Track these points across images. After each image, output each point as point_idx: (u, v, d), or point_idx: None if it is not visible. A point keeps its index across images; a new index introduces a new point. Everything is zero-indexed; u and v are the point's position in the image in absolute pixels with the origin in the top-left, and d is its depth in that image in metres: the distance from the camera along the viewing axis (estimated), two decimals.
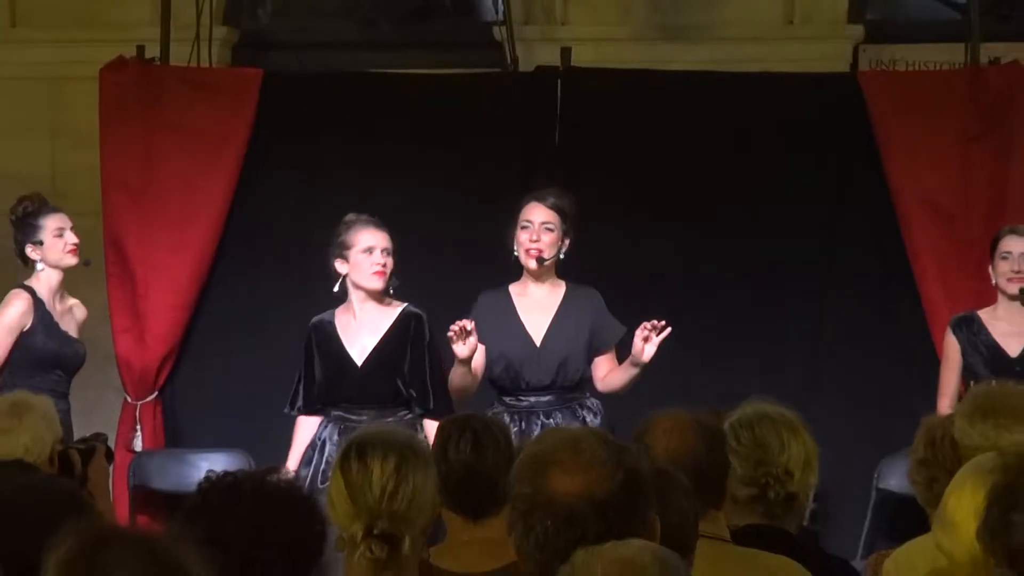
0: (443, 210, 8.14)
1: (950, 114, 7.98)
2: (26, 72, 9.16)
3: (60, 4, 9.18)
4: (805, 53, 8.84)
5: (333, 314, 7.06)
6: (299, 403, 7.10)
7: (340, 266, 6.98)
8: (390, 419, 6.85)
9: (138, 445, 7.98)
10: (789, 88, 8.27)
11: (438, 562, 4.13)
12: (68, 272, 7.65)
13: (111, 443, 5.71)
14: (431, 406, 6.91)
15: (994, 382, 7.37)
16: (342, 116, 8.28)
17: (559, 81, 8.25)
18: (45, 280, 7.54)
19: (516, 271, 7.13)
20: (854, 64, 8.97)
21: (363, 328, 7.01)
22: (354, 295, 6.98)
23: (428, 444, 4.03)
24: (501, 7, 8.91)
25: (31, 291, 7.49)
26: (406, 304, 7.03)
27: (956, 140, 7.95)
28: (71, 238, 7.53)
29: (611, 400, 7.10)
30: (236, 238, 8.25)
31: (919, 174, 7.93)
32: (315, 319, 7.09)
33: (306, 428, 7.07)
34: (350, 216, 7.03)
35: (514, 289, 7.12)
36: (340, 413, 7.01)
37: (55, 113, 9.18)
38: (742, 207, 8.13)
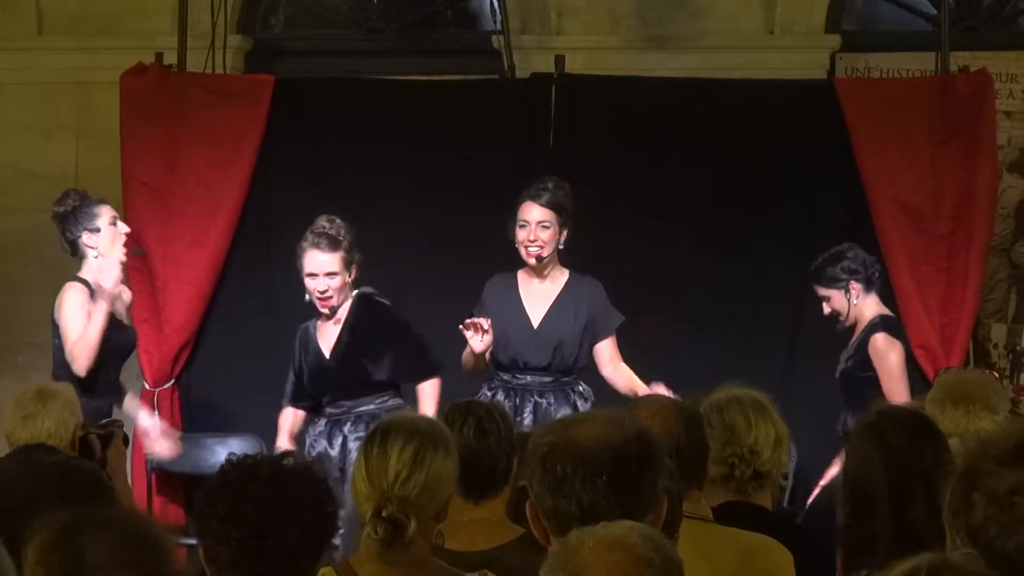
0: (442, 208, 8.14)
1: (921, 118, 7.98)
2: (52, 77, 9.18)
3: (84, 14, 9.19)
4: (785, 61, 8.85)
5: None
6: (285, 397, 7.19)
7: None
8: (370, 407, 6.87)
9: None
10: (770, 94, 8.27)
11: (437, 540, 4.13)
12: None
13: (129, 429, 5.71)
14: (411, 376, 6.96)
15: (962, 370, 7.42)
16: (349, 119, 8.28)
17: (553, 87, 8.25)
18: (96, 270, 7.19)
19: (519, 261, 7.14)
20: (831, 71, 8.98)
21: (328, 324, 7.06)
22: None
23: (444, 428, 4.02)
24: (499, 17, 8.93)
25: (84, 283, 7.26)
26: (356, 290, 7.03)
27: (927, 142, 7.95)
28: (123, 228, 7.31)
29: (605, 388, 7.13)
30: (250, 234, 8.25)
31: (891, 174, 7.94)
32: (303, 324, 7.18)
33: (287, 417, 7.16)
34: (307, 233, 7.02)
35: (522, 274, 7.17)
36: (330, 409, 7.06)
37: (79, 116, 9.19)
38: (727, 205, 8.14)
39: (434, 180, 8.17)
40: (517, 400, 7.00)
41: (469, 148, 8.18)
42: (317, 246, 6.91)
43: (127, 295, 7.51)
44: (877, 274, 7.30)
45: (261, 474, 3.20)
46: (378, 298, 7.05)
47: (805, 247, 8.10)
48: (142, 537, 2.80)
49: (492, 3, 9.29)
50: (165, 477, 8.08)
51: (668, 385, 6.72)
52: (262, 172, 8.21)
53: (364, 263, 7.11)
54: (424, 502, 3.72)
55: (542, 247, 7.01)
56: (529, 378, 7.06)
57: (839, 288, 7.20)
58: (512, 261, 7.18)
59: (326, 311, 6.95)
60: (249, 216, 8.23)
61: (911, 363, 7.60)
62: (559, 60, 8.33)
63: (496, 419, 4.36)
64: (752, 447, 4.46)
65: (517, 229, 7.04)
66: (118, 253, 7.25)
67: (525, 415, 6.95)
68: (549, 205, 7.02)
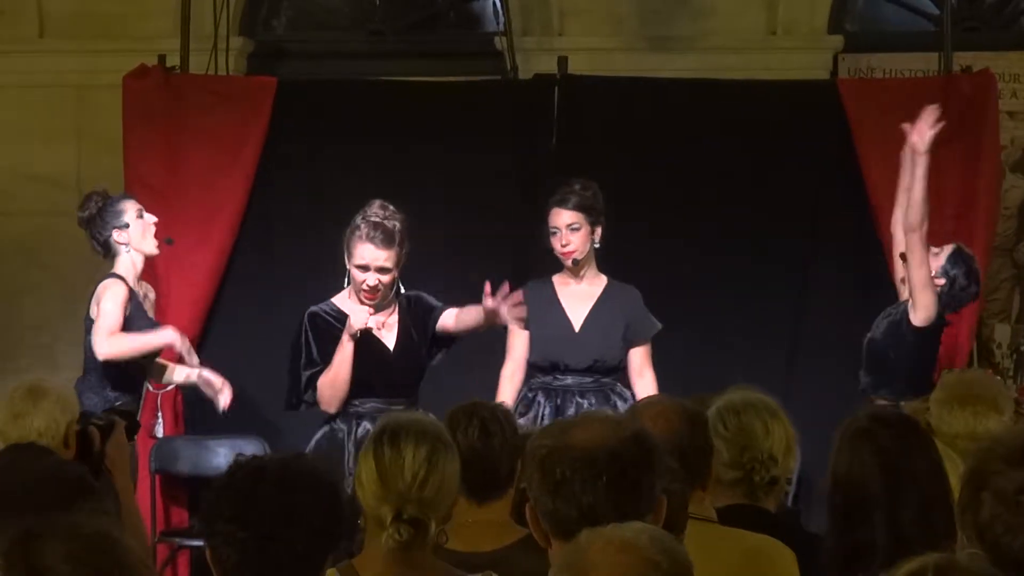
0: (445, 210, 8.14)
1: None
2: (54, 80, 9.18)
3: (86, 16, 9.19)
4: (787, 62, 8.85)
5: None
6: (306, 391, 6.87)
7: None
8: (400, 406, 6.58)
9: (159, 431, 7.93)
10: (772, 95, 8.28)
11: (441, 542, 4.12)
12: (89, 271, 7.57)
13: None
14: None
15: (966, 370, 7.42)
16: (351, 121, 8.28)
17: (556, 88, 8.26)
18: (130, 266, 7.17)
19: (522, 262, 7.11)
20: (834, 72, 8.98)
21: (373, 316, 6.75)
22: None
23: (445, 428, 4.00)
24: (502, 19, 8.93)
25: (121, 278, 7.22)
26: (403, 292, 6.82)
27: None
28: (151, 218, 7.26)
29: None
30: (252, 235, 8.25)
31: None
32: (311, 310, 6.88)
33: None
34: (359, 219, 6.71)
35: (558, 279, 7.15)
36: (360, 408, 6.77)
37: (81, 118, 9.19)
38: (729, 205, 8.14)
39: (437, 182, 8.17)
40: (559, 401, 6.97)
41: (472, 150, 8.18)
42: (372, 239, 6.63)
43: (152, 293, 7.53)
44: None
45: (268, 475, 3.19)
46: (431, 301, 6.89)
47: (807, 248, 8.11)
48: (99, 544, 2.78)
49: (494, 4, 9.30)
50: (168, 478, 8.09)
51: (673, 387, 6.71)
52: (264, 174, 8.21)
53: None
54: (440, 503, 3.71)
55: (575, 249, 7.01)
56: (570, 380, 7.01)
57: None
58: (514, 261, 7.17)
59: (370, 304, 6.70)
60: (251, 218, 8.24)
61: None
62: (562, 61, 8.33)
63: (500, 421, 4.36)
64: (770, 452, 4.45)
65: (550, 237, 7.06)
66: (151, 245, 7.24)
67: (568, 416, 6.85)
68: (577, 208, 7.02)
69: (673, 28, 8.95)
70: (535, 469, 3.02)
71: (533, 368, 7.09)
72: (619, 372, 7.09)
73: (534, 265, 7.52)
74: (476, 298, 7.16)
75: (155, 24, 9.08)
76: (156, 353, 7.29)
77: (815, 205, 8.15)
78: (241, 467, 3.23)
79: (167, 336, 7.19)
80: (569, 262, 7.05)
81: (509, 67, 8.72)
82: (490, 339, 7.06)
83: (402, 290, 6.81)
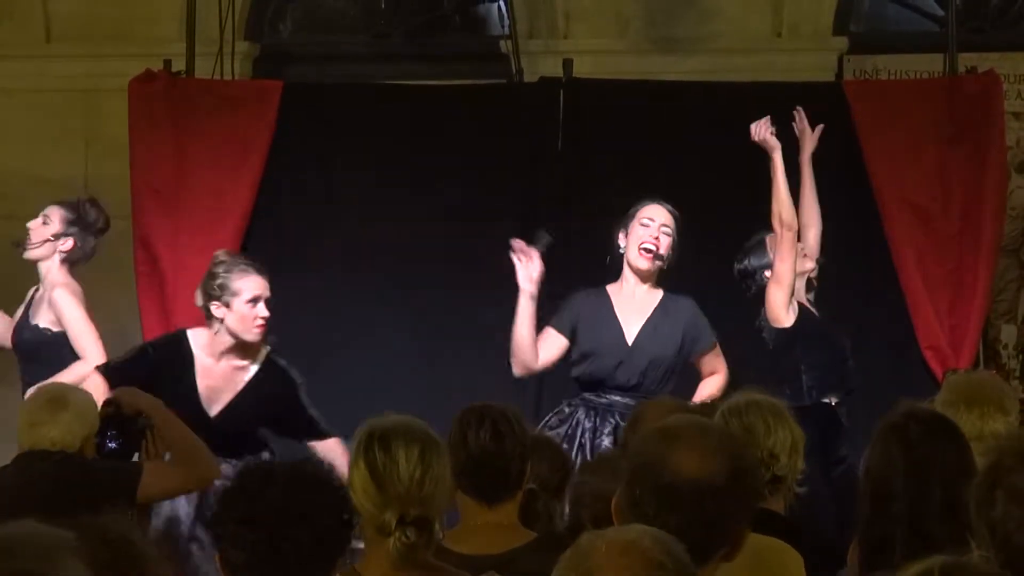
0: (451, 212, 8.13)
1: (929, 119, 7.97)
2: (61, 85, 9.20)
3: (92, 21, 9.21)
4: (793, 64, 8.84)
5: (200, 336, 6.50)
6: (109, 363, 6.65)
7: (217, 310, 6.40)
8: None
9: None
10: (778, 96, 8.25)
11: (450, 545, 4.12)
12: (98, 275, 7.62)
13: None
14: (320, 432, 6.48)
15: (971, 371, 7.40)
16: (357, 124, 8.27)
17: (561, 91, 8.24)
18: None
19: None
20: (839, 73, 8.98)
21: (215, 365, 6.43)
22: (224, 338, 6.44)
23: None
24: (507, 22, 8.93)
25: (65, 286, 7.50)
26: (267, 349, 6.48)
27: (934, 143, 7.94)
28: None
29: None
30: (258, 239, 8.24)
31: (900, 175, 7.94)
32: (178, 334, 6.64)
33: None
34: (225, 255, 6.53)
35: (611, 289, 6.96)
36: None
37: (88, 123, 9.20)
38: (735, 206, 8.12)
39: (442, 185, 8.16)
40: (596, 420, 6.75)
41: (477, 153, 8.17)
42: (257, 270, 6.44)
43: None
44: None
45: (277, 478, 3.21)
46: (287, 369, 6.51)
47: None
48: (120, 547, 2.79)
49: (500, 7, 9.30)
50: None
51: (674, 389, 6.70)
52: (270, 177, 8.20)
53: (370, 267, 6.95)
54: (438, 500, 3.71)
55: (661, 248, 6.83)
56: (615, 398, 6.77)
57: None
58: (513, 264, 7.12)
59: (257, 337, 6.40)
60: (258, 221, 8.23)
61: (920, 364, 7.60)
62: (567, 64, 8.32)
63: (511, 422, 4.33)
64: (771, 450, 4.45)
65: (635, 228, 6.85)
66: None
67: (604, 436, 6.70)
68: (673, 214, 6.90)
69: (678, 30, 8.95)
70: (626, 491, 2.93)
71: (578, 380, 6.92)
72: (668, 386, 6.85)
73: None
74: (476, 300, 7.15)
75: (161, 29, 9.09)
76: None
77: (821, 205, 8.13)
78: (250, 471, 3.25)
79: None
80: (648, 259, 6.82)
81: (514, 70, 8.72)
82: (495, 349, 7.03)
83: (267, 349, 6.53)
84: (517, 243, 6.75)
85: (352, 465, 3.73)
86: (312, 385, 7.00)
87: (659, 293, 6.96)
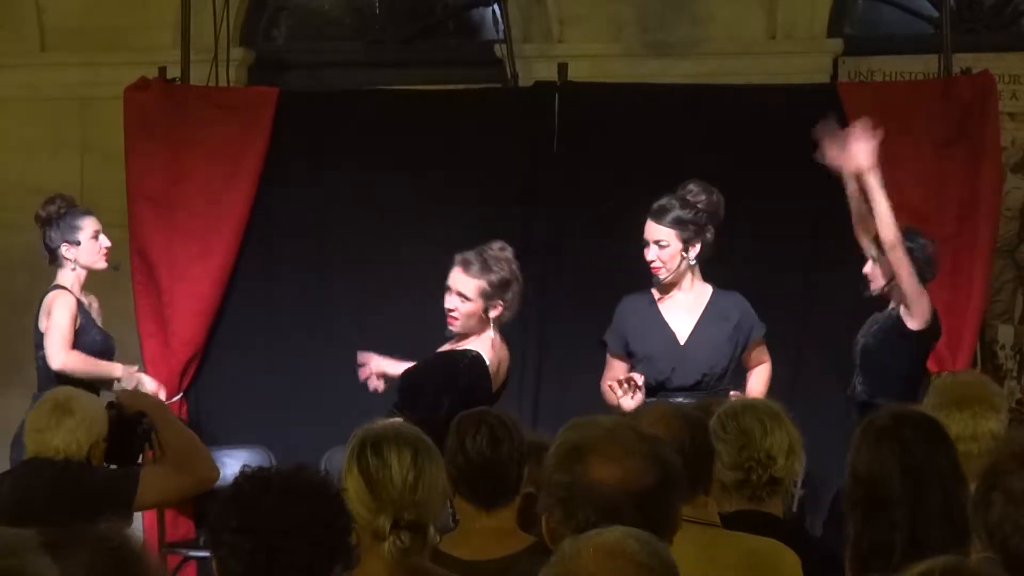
0: (447, 217, 8.12)
1: (924, 121, 7.97)
2: (56, 93, 9.20)
3: (87, 29, 9.20)
4: (787, 66, 8.84)
5: None
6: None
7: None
8: None
9: None
10: (772, 99, 8.26)
11: (448, 550, 4.12)
12: (96, 278, 7.63)
13: None
14: None
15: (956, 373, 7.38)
16: (353, 130, 8.28)
17: (556, 95, 8.25)
18: (75, 279, 7.52)
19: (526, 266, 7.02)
20: (834, 75, 8.97)
21: None
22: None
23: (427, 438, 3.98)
24: (501, 27, 8.92)
25: (68, 291, 7.46)
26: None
27: (929, 145, 7.94)
28: (105, 241, 7.53)
29: None
30: (255, 246, 8.24)
31: (895, 177, 7.89)
32: None
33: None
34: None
35: (657, 291, 6.93)
36: None
37: (84, 131, 9.20)
38: (731, 210, 8.10)
39: (439, 190, 8.16)
40: None
41: (473, 158, 8.17)
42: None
43: (96, 302, 7.73)
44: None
45: (274, 487, 3.20)
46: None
47: (809, 252, 8.09)
48: (119, 555, 2.78)
49: (494, 13, 9.30)
50: None
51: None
52: (266, 184, 8.20)
53: (366, 272, 6.92)
54: (432, 504, 3.71)
55: (660, 267, 6.80)
56: (679, 399, 6.57)
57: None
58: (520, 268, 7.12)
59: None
60: (254, 228, 8.22)
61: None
62: (562, 68, 8.32)
63: (509, 427, 4.36)
64: (768, 452, 4.45)
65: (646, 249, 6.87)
66: (99, 266, 7.57)
67: None
68: (672, 224, 6.83)
69: (673, 34, 8.95)
70: (556, 505, 2.99)
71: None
72: (726, 382, 6.85)
73: (534, 272, 7.49)
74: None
75: (156, 36, 9.09)
76: (107, 382, 7.48)
77: (816, 209, 8.13)
78: (247, 478, 3.24)
79: (118, 371, 7.47)
80: (660, 280, 6.82)
81: (509, 75, 8.71)
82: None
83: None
84: (625, 377, 6.54)
85: (346, 471, 3.76)
86: (309, 387, 7.02)
87: (708, 291, 6.93)
